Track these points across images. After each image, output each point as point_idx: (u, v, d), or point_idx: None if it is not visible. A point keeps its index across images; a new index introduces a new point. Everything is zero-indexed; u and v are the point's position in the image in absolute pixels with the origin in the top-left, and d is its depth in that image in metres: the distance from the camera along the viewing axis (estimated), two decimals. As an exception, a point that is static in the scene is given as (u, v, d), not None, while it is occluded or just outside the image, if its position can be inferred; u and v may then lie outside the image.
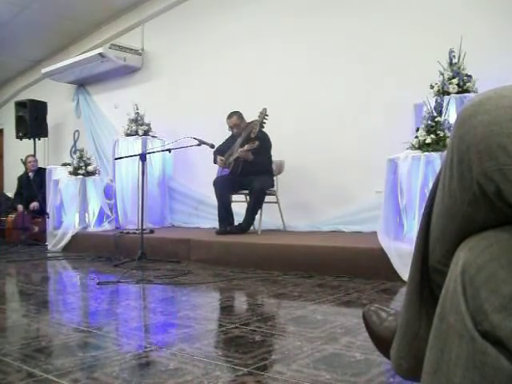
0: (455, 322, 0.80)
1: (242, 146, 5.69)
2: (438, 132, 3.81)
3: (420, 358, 0.93)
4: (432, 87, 4.70)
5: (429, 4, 5.38)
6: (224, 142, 6.15)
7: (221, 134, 6.15)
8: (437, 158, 3.66)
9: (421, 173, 3.69)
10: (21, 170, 8.49)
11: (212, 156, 6.12)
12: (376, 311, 1.48)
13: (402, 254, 3.69)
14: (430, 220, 1.01)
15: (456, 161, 0.84)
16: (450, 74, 4.63)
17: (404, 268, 3.64)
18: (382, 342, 1.41)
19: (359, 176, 5.72)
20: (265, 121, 5.72)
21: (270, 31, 6.71)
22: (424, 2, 5.43)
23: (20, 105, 9.57)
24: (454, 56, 4.68)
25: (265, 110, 5.71)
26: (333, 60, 6.09)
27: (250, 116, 5.85)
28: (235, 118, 6.02)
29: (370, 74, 5.74)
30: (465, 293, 0.79)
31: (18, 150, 9.64)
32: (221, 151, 6.03)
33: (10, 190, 9.13)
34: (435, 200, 0.97)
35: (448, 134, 3.77)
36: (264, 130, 5.77)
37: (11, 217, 8.06)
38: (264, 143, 5.72)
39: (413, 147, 3.91)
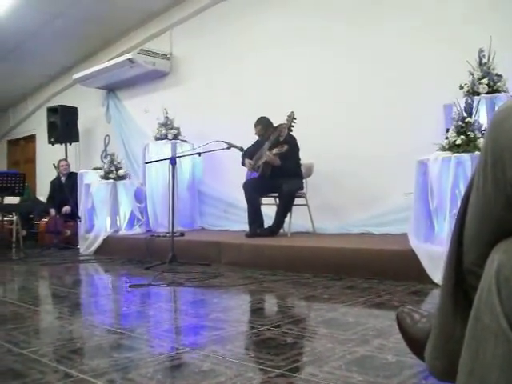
0: (490, 322, 0.80)
1: (270, 149, 5.70)
2: (469, 133, 3.76)
3: (454, 358, 0.94)
4: (462, 87, 4.65)
5: (457, 4, 5.34)
6: (253, 145, 6.17)
7: (249, 136, 6.17)
8: (467, 160, 3.61)
9: (451, 174, 3.65)
10: (53, 174, 8.61)
11: (241, 159, 6.14)
12: (409, 313, 1.49)
13: (432, 255, 3.66)
14: (463, 222, 1.01)
15: (490, 163, 0.84)
16: (480, 73, 4.58)
17: (434, 270, 3.61)
18: (415, 344, 1.41)
19: (388, 177, 5.68)
20: (293, 124, 5.71)
21: (297, 34, 6.71)
22: (452, 2, 5.38)
23: (52, 110, 9.73)
24: (483, 56, 4.63)
25: (292, 113, 5.70)
26: (360, 62, 6.07)
27: (278, 119, 5.86)
28: (260, 127, 6.06)
29: (399, 75, 5.70)
30: (499, 294, 0.80)
31: (50, 154, 9.78)
32: (249, 154, 6.05)
33: (43, 195, 9.27)
34: (469, 202, 0.97)
35: (478, 135, 3.73)
36: (292, 133, 5.77)
37: (44, 221, 8.18)
38: (292, 147, 5.72)
39: (443, 148, 3.87)
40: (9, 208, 7.34)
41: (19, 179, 6.97)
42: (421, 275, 3.69)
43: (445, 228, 3.64)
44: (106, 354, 2.15)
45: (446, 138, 3.88)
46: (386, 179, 5.70)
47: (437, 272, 3.57)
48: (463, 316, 1.02)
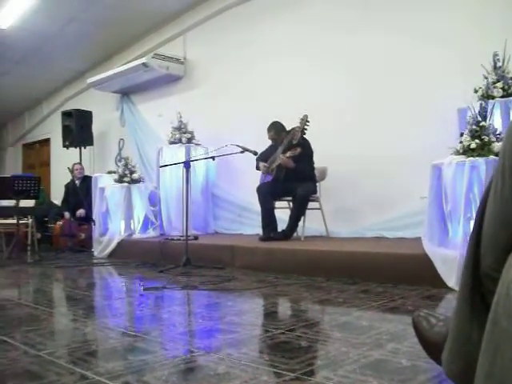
0: (508, 326, 0.80)
1: (283, 152, 5.70)
2: (483, 137, 3.74)
3: (472, 362, 0.94)
4: (476, 91, 4.63)
5: (471, 8, 5.32)
6: (267, 149, 6.18)
7: (263, 140, 6.18)
8: (482, 164, 3.59)
9: (465, 178, 3.63)
10: (67, 178, 8.67)
11: (255, 163, 6.15)
12: (425, 317, 1.48)
13: (446, 259, 3.64)
14: (481, 226, 1.01)
15: (508, 167, 0.84)
16: (495, 77, 4.56)
17: (449, 274, 3.59)
18: (431, 347, 1.41)
19: (402, 181, 5.67)
20: (306, 127, 5.71)
21: (309, 39, 6.73)
22: (466, 5, 5.37)
23: (66, 114, 9.81)
24: (498, 59, 4.61)
25: (306, 116, 5.70)
26: (374, 66, 6.06)
27: (291, 123, 5.86)
28: (273, 132, 6.07)
29: (413, 79, 5.69)
30: (517, 298, 0.80)
31: (65, 158, 9.85)
32: (263, 158, 6.06)
33: (57, 198, 9.33)
34: (487, 206, 0.97)
35: (493, 139, 3.72)
36: (306, 136, 5.76)
37: (59, 224, 8.24)
38: (306, 150, 5.72)
39: (457, 152, 3.86)
40: (24, 211, 7.38)
41: (35, 183, 7.02)
42: (435, 279, 3.67)
43: (459, 232, 3.62)
44: (121, 356, 2.17)
45: (461, 142, 3.86)
46: (400, 183, 5.68)
47: (451, 276, 3.55)
48: (480, 320, 1.02)
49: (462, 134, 3.93)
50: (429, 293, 3.52)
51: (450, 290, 3.50)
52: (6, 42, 8.76)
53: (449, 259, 3.60)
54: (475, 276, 1.06)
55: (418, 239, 4.18)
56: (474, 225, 1.05)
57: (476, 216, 1.04)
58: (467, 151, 3.76)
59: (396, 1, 5.97)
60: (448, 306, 3.16)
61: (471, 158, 3.67)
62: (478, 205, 3.08)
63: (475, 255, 1.05)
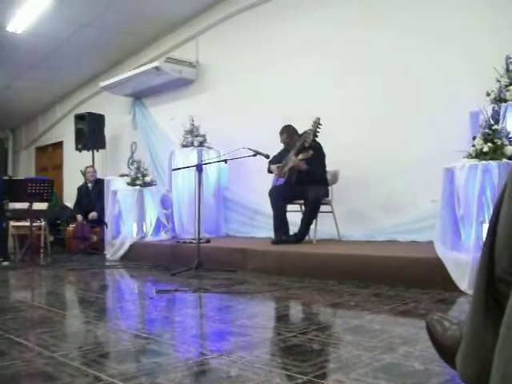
0: (523, 329, 0.80)
1: (296, 155, 5.70)
2: (496, 140, 3.72)
3: (486, 365, 0.94)
4: (488, 95, 4.61)
5: (483, 10, 5.30)
6: (279, 153, 6.19)
7: (275, 144, 6.18)
8: (494, 167, 3.57)
9: (478, 182, 3.62)
10: (80, 180, 8.71)
11: (267, 166, 6.16)
12: (439, 320, 1.48)
13: (459, 263, 3.63)
14: (495, 230, 1.01)
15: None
16: (507, 80, 4.54)
17: (461, 278, 3.58)
18: (445, 351, 1.41)
19: (414, 185, 5.65)
20: (318, 130, 5.70)
21: (321, 42, 6.72)
22: (477, 8, 5.35)
23: (79, 118, 9.86)
24: (510, 62, 4.59)
25: (318, 119, 5.69)
26: (385, 69, 6.05)
27: (304, 126, 5.86)
28: (285, 136, 6.07)
29: (425, 81, 5.68)
30: (531, 302, 0.80)
31: (77, 161, 9.89)
32: (275, 161, 6.06)
33: (70, 201, 9.37)
34: (501, 211, 0.97)
35: (506, 143, 3.70)
36: (318, 139, 5.76)
37: (71, 226, 8.28)
38: (318, 153, 5.72)
39: (470, 156, 3.84)
40: (37, 214, 7.44)
41: (48, 185, 7.06)
42: (447, 283, 3.66)
43: (471, 236, 3.61)
44: (134, 358, 2.18)
45: (473, 145, 3.85)
46: (413, 187, 5.67)
47: (463, 280, 3.54)
48: (494, 323, 1.02)
49: (474, 138, 3.91)
50: (441, 296, 3.51)
51: (463, 293, 3.49)
52: (20, 46, 8.83)
53: (461, 263, 3.59)
54: (489, 280, 1.06)
55: (430, 243, 4.17)
56: (489, 229, 1.05)
57: (490, 220, 1.05)
58: (480, 155, 3.75)
59: (408, 2, 5.95)
60: (460, 310, 3.15)
61: (484, 162, 3.66)
62: (490, 208, 3.08)
63: (489, 259, 1.05)
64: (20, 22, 8.03)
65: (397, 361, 2.01)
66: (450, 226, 3.91)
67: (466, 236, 3.77)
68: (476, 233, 3.55)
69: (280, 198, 5.84)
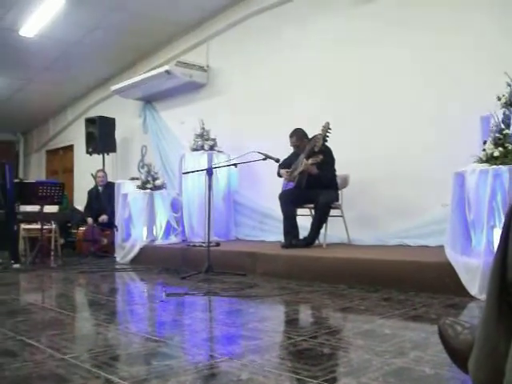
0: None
1: (306, 159, 5.70)
2: (506, 145, 3.70)
3: (499, 370, 0.94)
4: (499, 99, 4.58)
5: (495, 15, 5.29)
6: (289, 156, 6.18)
7: (285, 148, 6.18)
8: (505, 172, 3.56)
9: (488, 186, 3.60)
10: (90, 184, 8.75)
11: (276, 169, 6.16)
12: (451, 325, 1.48)
13: (469, 268, 3.61)
14: (508, 236, 1.01)
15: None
16: (518, 85, 4.52)
17: (472, 283, 3.56)
18: (457, 355, 1.41)
19: (424, 189, 5.64)
20: (328, 134, 5.71)
21: (332, 47, 6.74)
22: (489, 13, 5.33)
23: (90, 121, 9.91)
24: (522, 66, 4.57)
25: (327, 123, 5.70)
26: (397, 73, 6.05)
27: (314, 131, 5.86)
28: (295, 138, 6.06)
29: (435, 86, 5.67)
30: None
31: (88, 164, 9.95)
32: (285, 165, 6.06)
33: (80, 204, 9.40)
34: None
35: (517, 147, 3.69)
36: (327, 144, 5.76)
37: (81, 229, 8.31)
38: (327, 157, 5.71)
39: (480, 160, 3.83)
40: (48, 216, 7.47)
41: (59, 188, 7.09)
42: (458, 288, 3.64)
43: (482, 241, 3.59)
44: (145, 361, 2.19)
45: (484, 149, 3.83)
46: (423, 191, 5.65)
47: (474, 285, 3.53)
48: (507, 328, 1.02)
49: (485, 142, 3.90)
50: (451, 301, 3.49)
51: (473, 298, 3.48)
52: (32, 49, 8.91)
53: (472, 268, 3.57)
54: (502, 285, 1.06)
55: (441, 247, 4.16)
56: (501, 234, 1.05)
57: (503, 226, 1.04)
58: (490, 159, 3.73)
59: (420, 5, 5.95)
60: (471, 315, 3.14)
61: (494, 166, 3.64)
62: (501, 213, 3.06)
63: (502, 264, 1.05)
64: (32, 26, 8.10)
65: (407, 365, 2.00)
66: (461, 231, 3.89)
67: (477, 241, 3.75)
68: (486, 237, 3.54)
69: (290, 201, 5.84)
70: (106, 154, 9.82)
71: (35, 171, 14.33)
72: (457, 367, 1.42)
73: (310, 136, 5.99)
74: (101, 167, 9.22)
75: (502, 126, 3.81)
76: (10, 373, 1.98)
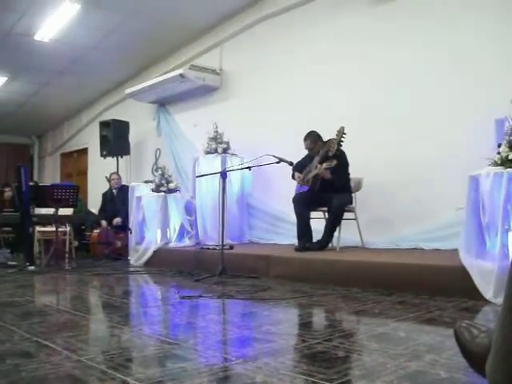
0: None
1: (320, 163, 5.70)
2: (521, 148, 3.69)
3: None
4: (514, 102, 4.57)
5: (508, 18, 5.26)
6: (303, 158, 6.18)
7: (299, 151, 6.18)
8: (520, 175, 3.55)
9: (503, 190, 3.58)
10: (104, 186, 8.80)
11: (291, 172, 6.16)
12: (467, 328, 1.48)
13: (484, 272, 3.59)
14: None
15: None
16: (534, 87, 4.50)
17: (486, 286, 3.54)
18: (474, 358, 1.41)
19: (438, 192, 5.63)
20: (342, 139, 5.72)
21: (346, 50, 6.73)
22: (502, 16, 5.31)
23: (104, 124, 9.96)
24: (537, 69, 4.55)
25: (342, 128, 5.71)
26: (410, 76, 6.04)
27: (328, 134, 5.86)
28: (309, 141, 6.04)
29: (450, 89, 5.65)
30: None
31: (102, 167, 9.99)
32: (299, 168, 6.06)
33: (94, 206, 9.46)
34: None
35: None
36: (342, 148, 5.77)
37: (96, 232, 8.36)
38: (342, 161, 5.71)
39: (495, 163, 3.81)
40: (62, 219, 7.52)
41: (73, 191, 7.14)
42: (472, 291, 3.62)
43: (496, 244, 3.57)
44: (160, 363, 2.20)
45: (498, 153, 3.81)
46: (437, 194, 5.64)
47: (488, 289, 3.50)
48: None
49: (499, 145, 3.87)
50: (466, 305, 3.48)
51: (488, 302, 3.46)
52: (47, 54, 8.97)
53: (486, 271, 3.55)
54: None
55: (455, 251, 4.14)
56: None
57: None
58: (505, 162, 3.71)
59: (433, 11, 5.93)
60: (486, 319, 3.13)
61: (509, 170, 3.62)
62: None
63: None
64: (47, 31, 8.15)
65: (422, 369, 2.00)
66: (475, 234, 3.87)
67: (491, 244, 3.73)
68: (501, 241, 3.51)
69: (304, 204, 5.84)
70: (119, 157, 9.86)
71: (50, 174, 14.42)
72: (473, 371, 1.42)
73: (324, 139, 5.99)
74: (115, 170, 9.26)
75: (517, 129, 3.79)
76: (27, 374, 2.00)
